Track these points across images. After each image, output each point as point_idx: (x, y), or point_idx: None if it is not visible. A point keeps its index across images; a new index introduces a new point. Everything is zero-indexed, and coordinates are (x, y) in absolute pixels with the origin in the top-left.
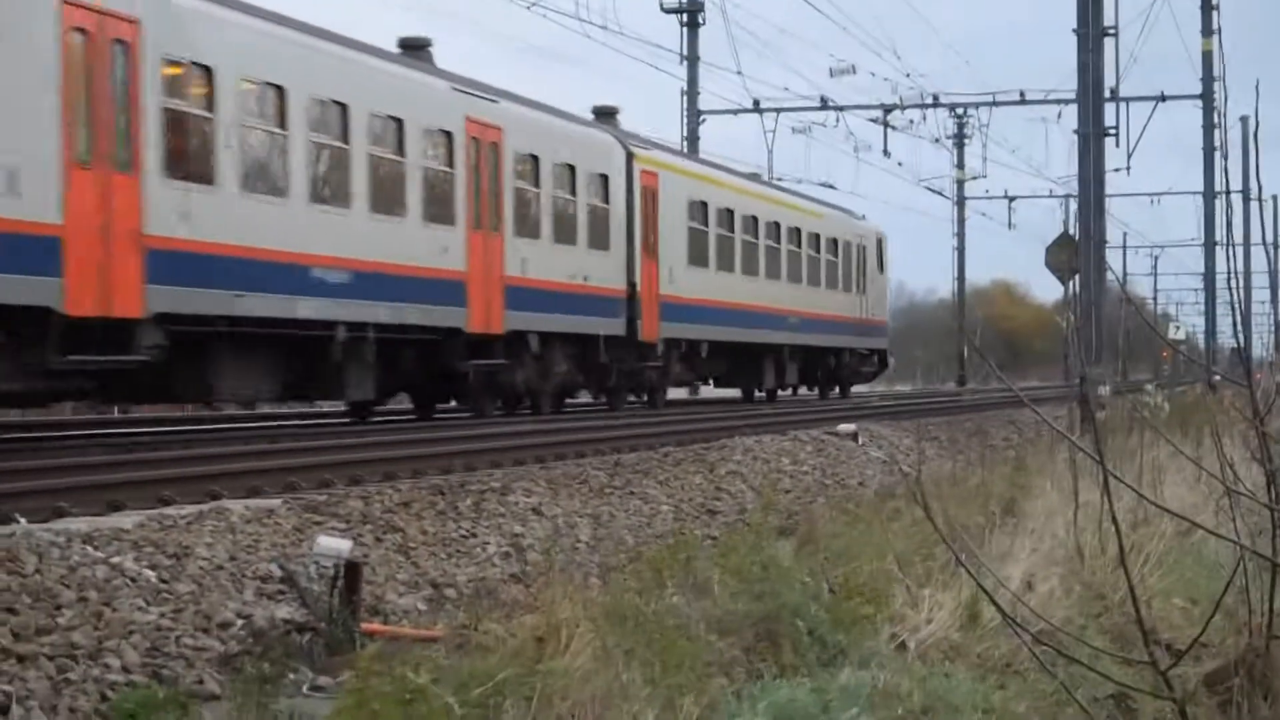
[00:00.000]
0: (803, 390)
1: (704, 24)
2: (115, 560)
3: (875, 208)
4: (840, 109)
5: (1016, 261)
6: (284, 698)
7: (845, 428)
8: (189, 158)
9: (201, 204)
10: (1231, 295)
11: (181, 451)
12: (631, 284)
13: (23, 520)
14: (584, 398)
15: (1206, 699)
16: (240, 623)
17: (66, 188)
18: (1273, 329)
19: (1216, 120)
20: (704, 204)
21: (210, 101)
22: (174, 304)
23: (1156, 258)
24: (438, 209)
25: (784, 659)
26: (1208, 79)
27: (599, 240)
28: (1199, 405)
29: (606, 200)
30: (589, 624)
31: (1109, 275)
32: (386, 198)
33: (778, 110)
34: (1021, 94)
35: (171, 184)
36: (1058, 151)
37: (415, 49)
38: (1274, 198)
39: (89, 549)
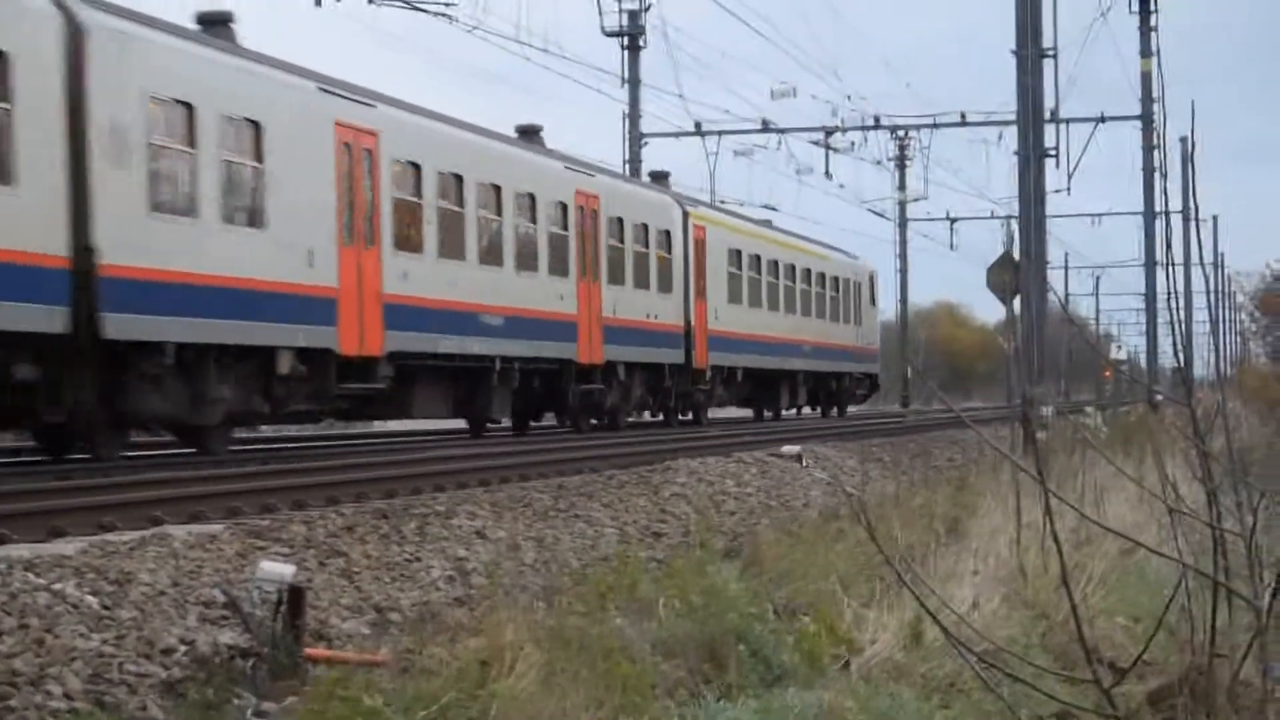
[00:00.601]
0: (805, 410)
1: (645, 47)
2: (57, 587)
3: (817, 230)
4: (782, 131)
5: (959, 282)
6: None
7: (789, 449)
8: (407, 234)
9: (414, 268)
10: (1172, 315)
11: (123, 477)
12: (687, 320)
13: None
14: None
15: (1150, 717)
16: (183, 649)
17: (339, 261)
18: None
19: (1156, 141)
20: (738, 251)
21: (419, 189)
22: (401, 344)
23: (1098, 278)
24: (558, 264)
25: (728, 679)
26: (1147, 100)
27: (665, 284)
28: (1141, 425)
29: (669, 251)
30: (533, 646)
31: (1051, 295)
32: (526, 257)
33: (720, 133)
34: (962, 116)
35: (398, 254)
36: (999, 172)
37: (532, 134)
38: (1213, 218)
39: (30, 576)
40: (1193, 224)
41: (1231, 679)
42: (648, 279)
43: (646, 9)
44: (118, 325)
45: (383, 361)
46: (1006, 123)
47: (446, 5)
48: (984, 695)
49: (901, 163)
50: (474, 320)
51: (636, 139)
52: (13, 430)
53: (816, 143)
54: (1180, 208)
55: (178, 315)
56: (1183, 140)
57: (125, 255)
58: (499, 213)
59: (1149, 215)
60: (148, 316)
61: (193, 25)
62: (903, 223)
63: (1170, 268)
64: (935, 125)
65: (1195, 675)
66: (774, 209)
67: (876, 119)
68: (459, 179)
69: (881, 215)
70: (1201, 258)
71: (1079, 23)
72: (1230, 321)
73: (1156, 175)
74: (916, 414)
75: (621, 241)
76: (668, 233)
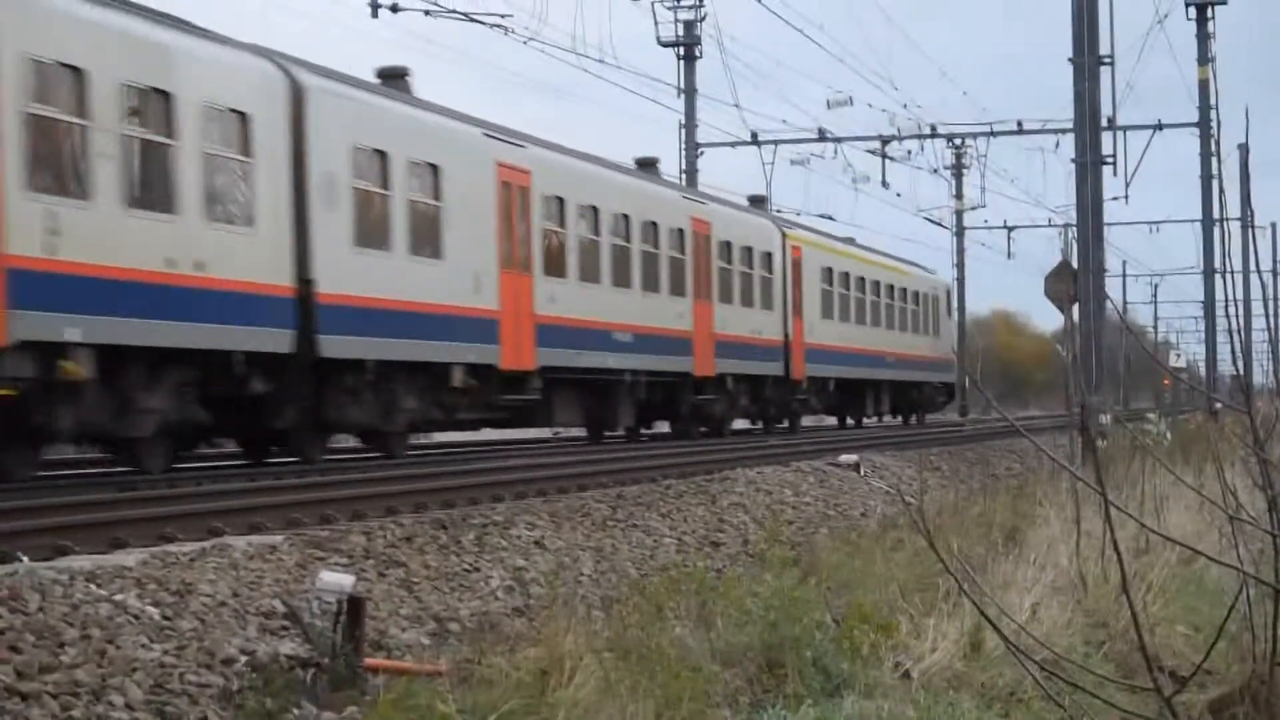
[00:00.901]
0: (886, 418)
1: (700, 57)
2: (118, 598)
3: (874, 238)
4: (838, 140)
5: (1016, 291)
6: None
7: (847, 459)
8: (553, 260)
9: (560, 291)
10: (1231, 323)
11: (183, 489)
12: (786, 335)
13: (25, 559)
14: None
15: None
16: (243, 659)
17: (500, 286)
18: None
19: (1214, 148)
20: (830, 269)
21: (563, 220)
22: (549, 360)
23: (1156, 286)
24: (676, 285)
25: (788, 689)
26: (1204, 107)
27: (767, 302)
28: (1200, 433)
29: (770, 271)
30: (593, 656)
31: (1108, 304)
32: (650, 279)
33: (776, 142)
34: (1019, 124)
35: (547, 279)
36: (1056, 180)
37: (649, 165)
38: (1272, 225)
39: (92, 587)
40: (1251, 231)
41: None
42: (752, 297)
43: (702, 19)
44: (331, 346)
45: (535, 375)
46: (1063, 130)
47: (503, 17)
48: (1044, 704)
49: (958, 171)
50: (608, 337)
51: (693, 148)
52: (236, 438)
53: (873, 151)
54: (1239, 214)
55: (377, 336)
56: (1240, 147)
57: (336, 285)
58: (628, 239)
59: (1207, 222)
60: (355, 338)
61: (374, 79)
62: (959, 231)
63: (1229, 275)
64: (992, 133)
65: (1256, 684)
66: (830, 218)
67: (933, 127)
68: (595, 210)
69: (938, 224)
70: (1259, 265)
71: (1136, 30)
72: None
73: (1214, 182)
74: (974, 423)
75: (730, 263)
76: (769, 254)
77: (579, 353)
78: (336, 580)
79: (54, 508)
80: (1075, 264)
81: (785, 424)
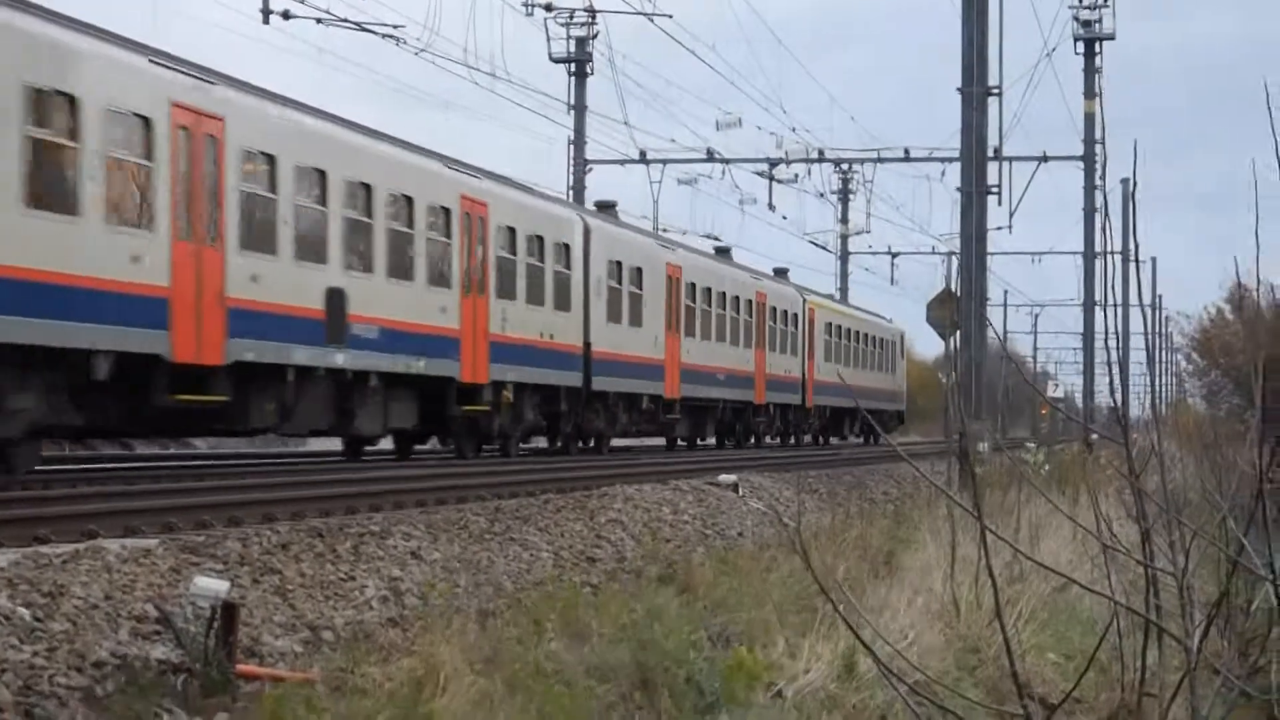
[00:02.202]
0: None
1: (592, 74)
2: None
3: (759, 260)
4: (726, 161)
5: (898, 316)
6: None
7: (725, 478)
8: (692, 324)
9: (694, 347)
10: (1109, 355)
11: (57, 490)
12: (804, 374)
13: None
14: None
15: None
16: (115, 662)
17: (666, 343)
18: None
19: (1097, 181)
20: (830, 324)
21: (693, 296)
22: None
23: (1037, 316)
24: (747, 340)
25: (661, 705)
26: (1089, 140)
27: (793, 350)
28: (1076, 463)
29: (796, 328)
30: (467, 668)
31: (990, 332)
32: (738, 335)
33: (664, 161)
34: (906, 151)
35: (688, 338)
36: (941, 208)
37: (726, 252)
38: (1152, 259)
39: None
40: (1132, 265)
41: (1161, 718)
42: (788, 347)
43: (594, 36)
44: (598, 383)
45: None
46: (950, 159)
47: (395, 27)
48: None
49: (844, 196)
50: (698, 374)
51: (581, 165)
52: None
53: (760, 174)
54: (1120, 248)
55: (613, 376)
56: (1124, 181)
57: (601, 345)
58: (724, 307)
59: (1089, 255)
60: (607, 377)
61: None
62: (844, 256)
63: (1109, 307)
64: (879, 160)
65: (1124, 714)
66: (717, 239)
67: (821, 152)
68: (709, 290)
69: (823, 247)
70: (1141, 298)
71: (1025, 62)
72: (1168, 363)
73: (1097, 215)
74: (853, 446)
75: (775, 321)
76: (796, 315)
77: (706, 388)
78: (211, 586)
79: None
80: (957, 291)
81: (794, 440)
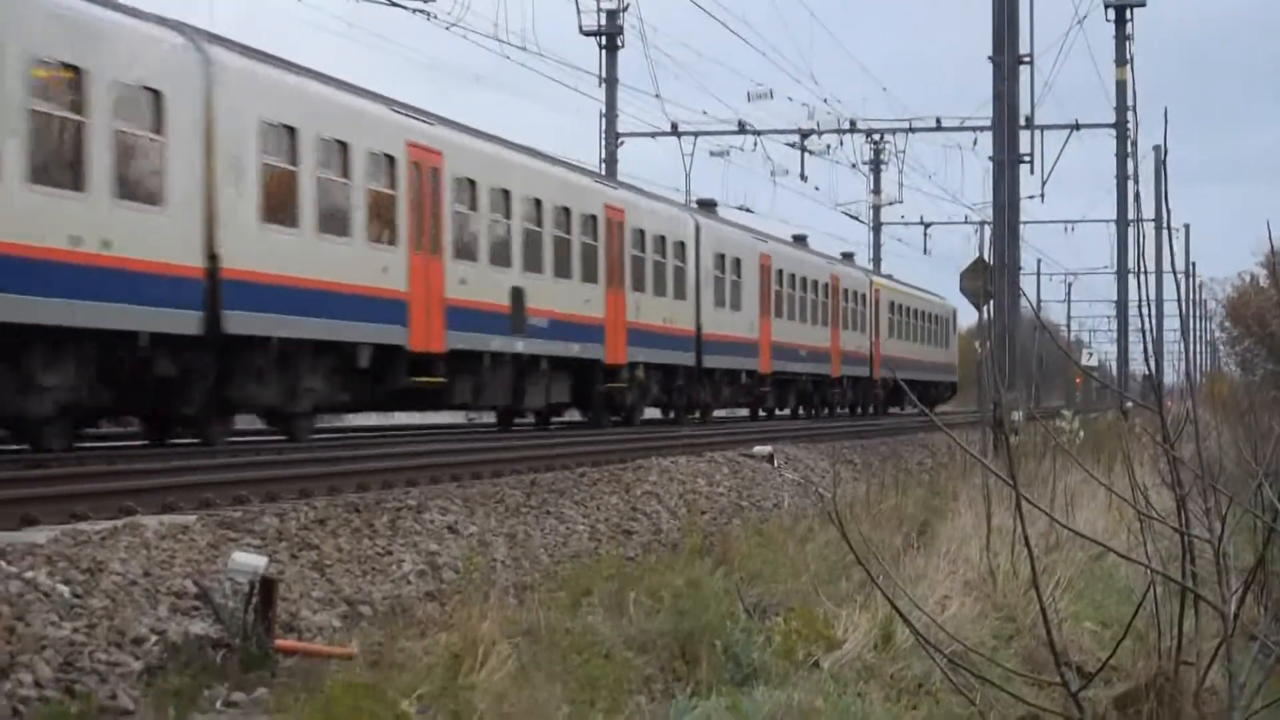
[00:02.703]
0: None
1: (623, 47)
2: (29, 575)
3: (792, 231)
4: (758, 133)
5: (932, 286)
6: (198, 713)
7: (760, 450)
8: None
9: (722, 317)
10: (1143, 322)
11: (95, 467)
12: (871, 349)
13: None
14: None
15: None
16: (154, 638)
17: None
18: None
19: (1129, 149)
20: (892, 303)
21: (779, 280)
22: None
23: (1070, 284)
24: (821, 320)
25: (699, 676)
26: (1121, 108)
27: (862, 327)
28: (1111, 431)
29: (864, 306)
30: (506, 641)
31: (1023, 301)
32: (818, 317)
33: (696, 134)
34: (938, 120)
35: (775, 320)
36: (973, 178)
37: (801, 239)
38: (1185, 227)
39: (2, 563)
40: (1165, 232)
41: (1198, 685)
42: (858, 324)
43: (624, 9)
44: (708, 361)
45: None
46: (981, 128)
47: (425, 2)
48: (952, 697)
49: (876, 166)
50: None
51: (613, 138)
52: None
53: (792, 145)
54: (1153, 216)
55: (720, 355)
56: (1156, 149)
57: (709, 328)
58: (805, 290)
59: (1122, 223)
60: (715, 355)
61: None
62: (876, 226)
63: (1142, 275)
64: (910, 130)
65: (1162, 681)
66: (749, 210)
67: (852, 123)
68: (794, 275)
69: (856, 218)
70: (1174, 265)
71: (1056, 30)
72: (1201, 330)
73: (1129, 183)
74: (888, 416)
75: (847, 301)
76: (864, 295)
77: (793, 361)
78: (249, 561)
79: None
80: (990, 261)
81: (871, 410)
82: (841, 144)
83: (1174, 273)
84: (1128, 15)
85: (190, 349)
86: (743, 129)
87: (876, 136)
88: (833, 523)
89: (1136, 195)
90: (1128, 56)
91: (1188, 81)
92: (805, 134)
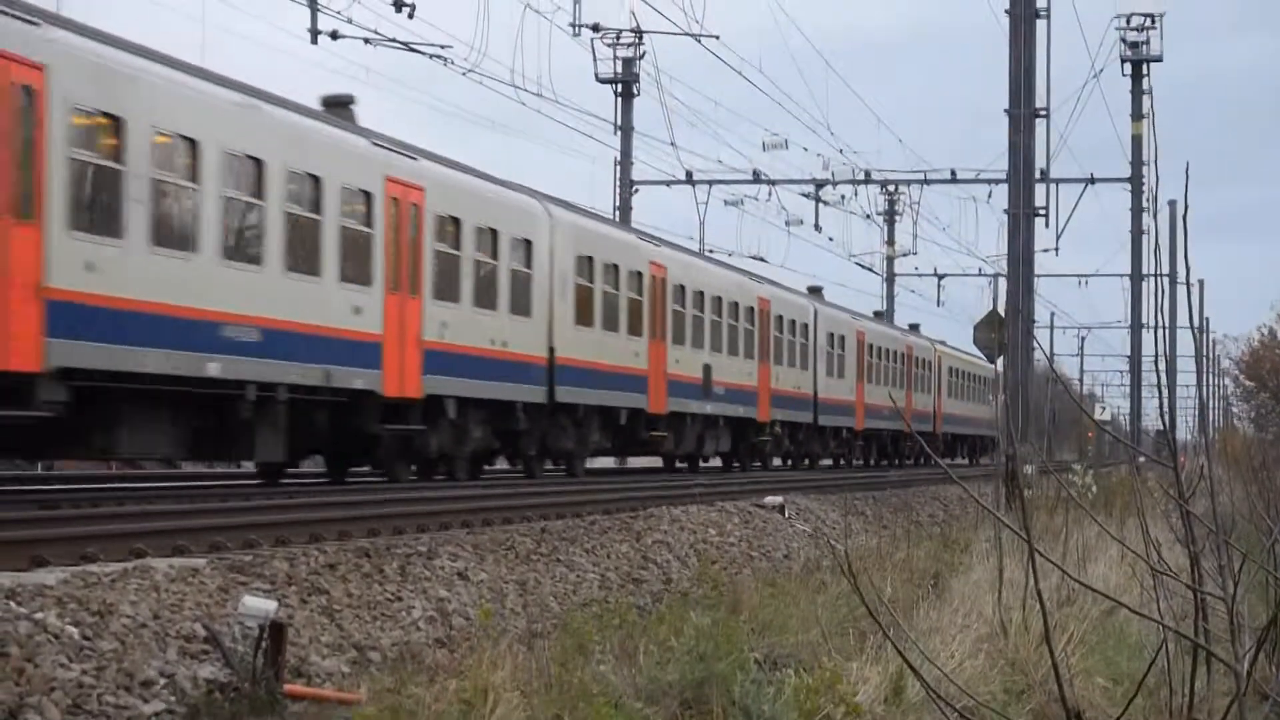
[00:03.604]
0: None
1: (638, 94)
2: (38, 616)
3: (806, 282)
4: (772, 183)
5: (945, 338)
6: None
7: (771, 500)
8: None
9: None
10: (1159, 377)
11: (105, 509)
12: (935, 408)
13: None
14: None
15: None
16: (163, 681)
17: (759, 374)
18: (1196, 412)
19: (1145, 204)
20: (951, 368)
21: (832, 342)
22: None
23: (1083, 338)
24: (900, 383)
25: None
26: (1136, 162)
27: (927, 389)
28: (1123, 486)
29: (930, 372)
30: (516, 689)
31: (1036, 354)
32: (884, 375)
33: (710, 182)
34: (953, 172)
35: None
36: (987, 230)
37: (815, 291)
38: (1200, 282)
39: (11, 604)
40: (1185, 288)
41: None
42: (926, 388)
43: (640, 57)
44: (775, 414)
45: None
46: (997, 180)
47: (442, 48)
48: None
49: (890, 217)
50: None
51: (628, 186)
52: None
53: (807, 195)
54: (1168, 271)
55: (826, 414)
56: (1171, 204)
57: (782, 385)
58: (885, 359)
59: (1136, 278)
60: (781, 409)
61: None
62: (890, 277)
63: (1157, 330)
64: (925, 181)
65: None
66: (762, 259)
67: (867, 173)
68: (883, 349)
69: (869, 269)
70: (1193, 320)
71: (1072, 84)
72: (1214, 386)
73: (1144, 238)
74: (899, 468)
75: (917, 368)
76: (930, 362)
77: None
78: (259, 605)
79: None
80: (1004, 313)
81: (911, 461)
82: (856, 194)
83: (1192, 329)
84: (1144, 70)
85: None
86: (757, 178)
87: (891, 187)
88: (844, 575)
89: (1155, 249)
90: (1144, 111)
91: (1204, 136)
92: (820, 184)
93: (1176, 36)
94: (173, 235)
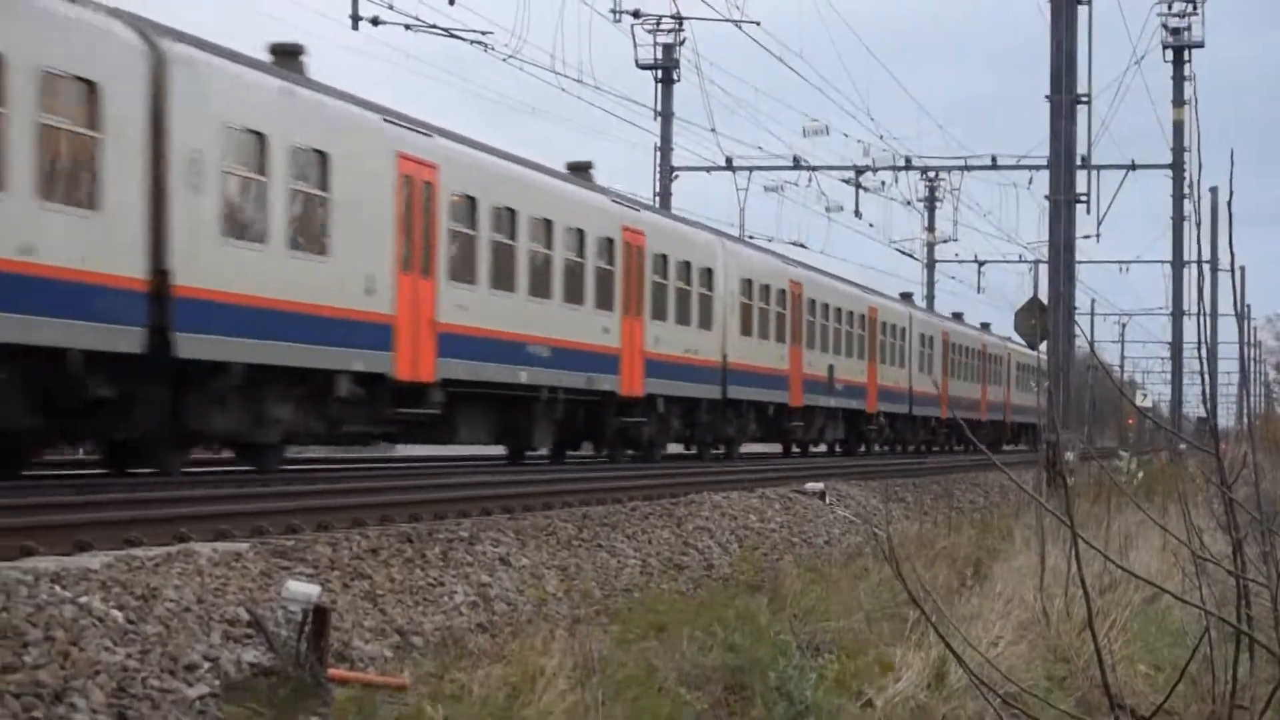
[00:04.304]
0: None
1: (678, 80)
2: (83, 600)
3: (845, 268)
4: (813, 169)
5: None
6: None
7: (813, 486)
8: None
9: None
10: (1201, 364)
11: (149, 494)
12: (1005, 399)
13: None
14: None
15: None
16: (207, 665)
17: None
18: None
19: (1186, 190)
20: (1018, 363)
21: (925, 342)
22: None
23: (1124, 325)
24: (977, 378)
25: (752, 713)
26: (1178, 149)
27: (999, 382)
28: (1165, 473)
29: (1002, 367)
30: (562, 674)
31: (1078, 340)
32: (976, 377)
33: (750, 169)
34: (993, 159)
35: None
36: (1028, 217)
37: (907, 297)
38: (1241, 269)
39: (56, 588)
40: (1233, 274)
41: None
42: (999, 380)
43: (680, 43)
44: (882, 406)
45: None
46: (1038, 167)
47: (483, 34)
48: None
49: (931, 204)
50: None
51: (668, 172)
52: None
53: (847, 181)
54: (1209, 258)
55: (921, 405)
56: (1213, 190)
57: (887, 382)
58: (969, 357)
59: (1177, 264)
60: (887, 404)
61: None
62: (930, 264)
63: (1199, 317)
64: (966, 167)
65: None
66: (803, 245)
67: (907, 159)
68: (968, 348)
69: (910, 255)
70: (1234, 308)
71: (1114, 70)
72: (1256, 373)
73: (1186, 224)
74: (939, 455)
75: (989, 364)
76: (1002, 358)
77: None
78: (303, 590)
79: (19, 508)
80: (1045, 300)
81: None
82: (896, 181)
83: (1236, 315)
84: (1186, 56)
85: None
86: (797, 164)
87: (931, 174)
88: (887, 561)
89: (1199, 235)
90: (1185, 97)
91: (1247, 122)
92: (860, 170)
93: (1217, 22)
94: (503, 280)
